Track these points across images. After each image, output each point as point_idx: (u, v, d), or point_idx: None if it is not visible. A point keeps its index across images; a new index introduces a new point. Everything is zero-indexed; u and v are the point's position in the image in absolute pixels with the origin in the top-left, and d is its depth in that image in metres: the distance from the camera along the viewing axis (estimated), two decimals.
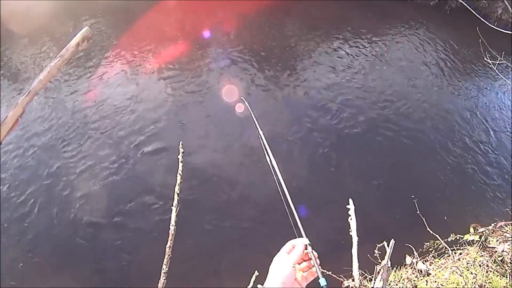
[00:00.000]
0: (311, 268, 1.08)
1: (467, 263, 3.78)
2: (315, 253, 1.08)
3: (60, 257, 4.66)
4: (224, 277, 4.38)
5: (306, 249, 1.09)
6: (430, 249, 4.00)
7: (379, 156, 6.03)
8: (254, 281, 2.82)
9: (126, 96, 6.94)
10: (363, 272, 3.64)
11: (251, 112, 1.83)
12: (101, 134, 6.19)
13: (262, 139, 1.59)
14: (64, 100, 6.93)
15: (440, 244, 3.87)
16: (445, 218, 5.03)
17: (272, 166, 1.37)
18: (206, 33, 8.75)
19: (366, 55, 8.25)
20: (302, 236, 1.14)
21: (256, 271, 2.79)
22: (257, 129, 1.68)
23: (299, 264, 1.09)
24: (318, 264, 1.08)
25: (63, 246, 4.77)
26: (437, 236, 3.81)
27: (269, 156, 1.49)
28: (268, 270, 1.06)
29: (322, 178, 5.65)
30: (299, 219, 1.23)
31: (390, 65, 8.05)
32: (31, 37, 8.89)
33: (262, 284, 1.03)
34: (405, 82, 7.60)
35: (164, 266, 2.67)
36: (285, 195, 1.33)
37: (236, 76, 7.46)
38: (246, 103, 2.10)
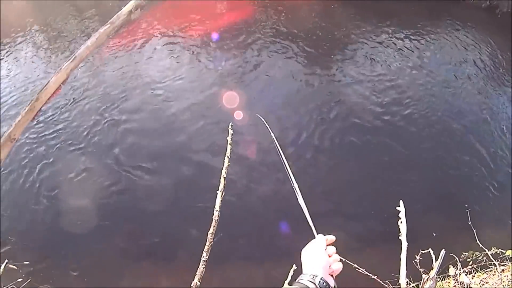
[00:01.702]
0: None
1: (509, 281, 3.50)
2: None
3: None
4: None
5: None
6: (468, 260, 3.70)
7: (430, 156, 5.60)
8: (292, 276, 2.52)
9: (166, 71, 6.97)
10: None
11: (268, 127, 2.07)
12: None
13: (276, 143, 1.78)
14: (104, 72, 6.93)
15: (479, 256, 3.62)
16: (492, 231, 4.71)
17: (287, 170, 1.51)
18: (251, 14, 8.92)
19: (411, 51, 7.87)
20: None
21: (294, 265, 2.51)
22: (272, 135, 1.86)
23: None
24: None
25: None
26: (486, 250, 3.60)
27: (283, 159, 1.66)
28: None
29: (369, 176, 5.16)
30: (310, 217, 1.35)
31: (433, 64, 7.60)
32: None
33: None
34: (447, 83, 7.13)
35: (204, 254, 2.37)
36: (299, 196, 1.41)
37: (274, 60, 7.45)
38: (262, 120, 2.36)
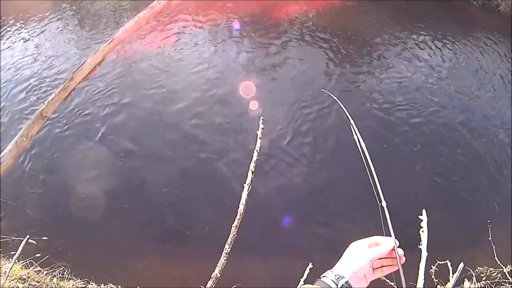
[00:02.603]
0: (384, 267, 1.07)
1: None
2: (403, 258, 1.05)
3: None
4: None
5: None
6: (482, 275, 3.65)
7: (458, 167, 5.54)
8: (308, 274, 2.51)
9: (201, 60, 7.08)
10: None
11: (340, 104, 2.00)
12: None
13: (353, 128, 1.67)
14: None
15: (493, 273, 3.57)
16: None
17: (365, 159, 1.44)
18: (291, 11, 8.90)
19: (442, 57, 7.83)
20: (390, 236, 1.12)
21: (310, 263, 2.49)
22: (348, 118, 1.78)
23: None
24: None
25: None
26: (503, 267, 3.55)
27: (361, 146, 1.56)
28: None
29: (392, 182, 5.06)
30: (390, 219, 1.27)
31: (461, 72, 7.53)
32: None
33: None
34: (474, 93, 7.03)
35: (226, 246, 2.37)
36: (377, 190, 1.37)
37: (313, 58, 7.49)
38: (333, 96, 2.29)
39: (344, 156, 5.31)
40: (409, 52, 7.87)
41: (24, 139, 2.33)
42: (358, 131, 1.55)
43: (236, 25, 8.47)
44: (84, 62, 2.28)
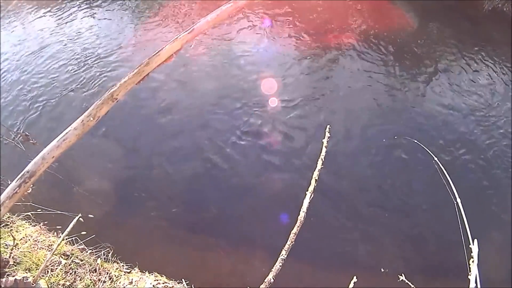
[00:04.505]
0: None
1: None
2: None
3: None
4: None
5: None
6: None
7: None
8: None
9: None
10: None
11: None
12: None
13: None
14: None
15: None
16: None
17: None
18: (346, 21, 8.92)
19: (502, 85, 7.56)
20: None
21: (355, 277, 2.41)
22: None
23: None
24: None
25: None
26: None
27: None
28: None
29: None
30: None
31: None
32: None
33: None
34: None
35: (283, 252, 2.30)
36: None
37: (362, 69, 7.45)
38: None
39: None
40: (465, 75, 7.59)
41: (91, 118, 2.32)
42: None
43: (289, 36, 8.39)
44: (162, 49, 2.27)
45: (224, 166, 5.15)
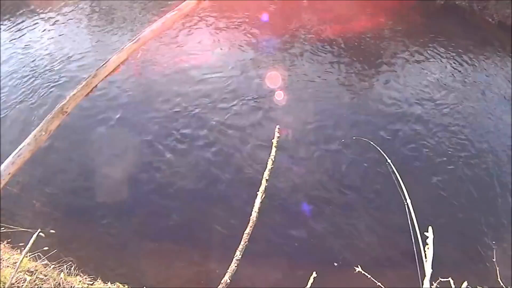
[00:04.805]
0: None
1: None
2: None
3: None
4: None
5: None
6: None
7: (461, 184, 5.57)
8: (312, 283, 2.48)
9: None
10: None
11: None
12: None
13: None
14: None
15: None
16: None
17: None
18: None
19: (460, 75, 7.86)
20: None
21: (314, 272, 2.48)
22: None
23: None
24: None
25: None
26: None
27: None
28: None
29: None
30: None
31: (483, 92, 7.55)
32: None
33: None
34: (497, 115, 7.04)
35: (238, 253, 2.35)
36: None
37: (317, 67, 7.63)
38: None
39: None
40: (420, 67, 7.99)
41: (43, 133, 2.32)
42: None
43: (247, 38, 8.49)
44: (109, 60, 2.30)
45: (170, 172, 5.29)
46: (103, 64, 2.33)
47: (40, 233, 3.06)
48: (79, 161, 5.28)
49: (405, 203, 2.01)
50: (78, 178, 5.04)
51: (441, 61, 8.28)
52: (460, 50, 8.63)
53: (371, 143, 2.39)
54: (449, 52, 8.56)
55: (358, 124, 6.22)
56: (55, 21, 8.71)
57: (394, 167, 1.98)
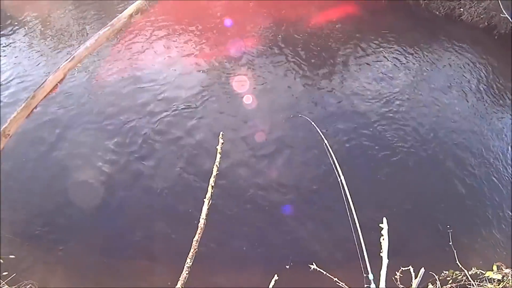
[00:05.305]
0: None
1: None
2: None
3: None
4: None
5: None
6: (448, 278, 3.76)
7: (415, 175, 5.74)
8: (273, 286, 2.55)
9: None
10: None
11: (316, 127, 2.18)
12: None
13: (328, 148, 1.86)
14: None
15: (459, 275, 3.68)
16: (474, 250, 4.83)
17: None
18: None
19: (406, 69, 8.02)
20: None
21: (276, 275, 2.53)
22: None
23: None
24: None
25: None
26: (465, 271, 3.67)
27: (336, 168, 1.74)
28: None
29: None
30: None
31: (426, 83, 7.72)
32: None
33: None
34: (440, 102, 7.27)
35: (188, 260, 2.41)
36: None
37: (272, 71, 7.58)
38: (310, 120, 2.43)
39: None
40: (373, 66, 8.04)
41: None
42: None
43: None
44: (45, 80, 2.32)
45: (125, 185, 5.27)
46: (41, 85, 2.35)
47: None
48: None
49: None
50: (36, 200, 4.93)
51: (391, 55, 8.43)
52: (408, 44, 8.84)
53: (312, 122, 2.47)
54: (399, 46, 8.76)
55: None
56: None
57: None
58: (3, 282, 3.33)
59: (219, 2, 9.67)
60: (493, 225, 5.29)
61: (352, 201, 2.30)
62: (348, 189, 2.63)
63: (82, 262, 4.24)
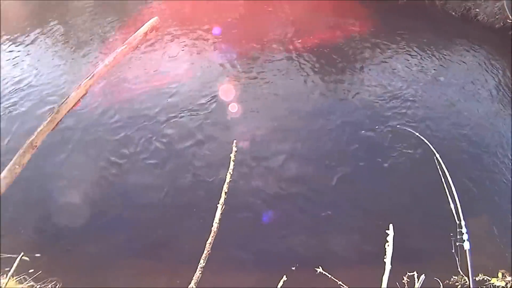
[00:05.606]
0: None
1: None
2: None
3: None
4: None
5: None
6: (457, 284, 3.80)
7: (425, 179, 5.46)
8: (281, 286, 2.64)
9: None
10: None
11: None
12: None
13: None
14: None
15: (462, 279, 3.73)
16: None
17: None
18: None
19: (421, 70, 8.02)
20: None
21: (284, 276, 2.64)
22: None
23: None
24: None
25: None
26: (467, 278, 3.71)
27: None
28: None
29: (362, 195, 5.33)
30: None
31: (441, 84, 7.71)
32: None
33: None
34: (453, 103, 7.25)
35: (201, 261, 2.55)
36: None
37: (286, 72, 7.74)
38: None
39: None
40: (389, 66, 8.09)
41: (17, 166, 2.54)
42: None
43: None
44: (69, 96, 2.52)
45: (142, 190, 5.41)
46: (64, 101, 2.55)
47: (24, 257, 3.26)
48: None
49: None
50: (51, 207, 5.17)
51: (414, 54, 8.43)
52: (424, 45, 8.80)
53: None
54: (414, 48, 8.70)
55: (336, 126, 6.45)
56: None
57: None
58: (29, 279, 3.56)
59: (237, 3, 10.00)
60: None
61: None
62: None
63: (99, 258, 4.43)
